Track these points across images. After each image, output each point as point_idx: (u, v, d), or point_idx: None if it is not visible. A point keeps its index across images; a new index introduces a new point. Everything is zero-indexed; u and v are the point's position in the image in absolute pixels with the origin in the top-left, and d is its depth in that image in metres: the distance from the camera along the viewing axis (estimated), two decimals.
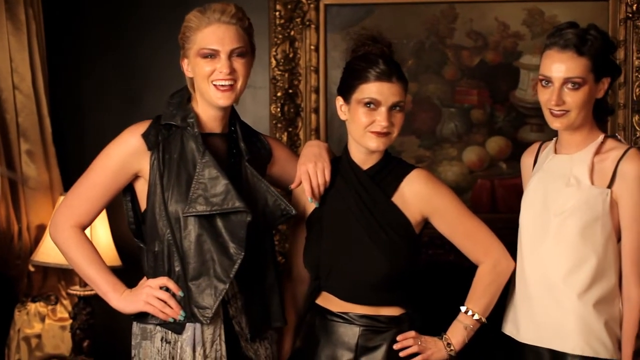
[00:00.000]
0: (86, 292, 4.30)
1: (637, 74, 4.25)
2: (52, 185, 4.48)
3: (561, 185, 3.15)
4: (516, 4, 4.30)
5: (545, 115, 3.18)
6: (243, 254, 3.05)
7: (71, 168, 4.37)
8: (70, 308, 4.48)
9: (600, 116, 3.23)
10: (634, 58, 4.25)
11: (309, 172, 3.25)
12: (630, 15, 4.21)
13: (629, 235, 3.09)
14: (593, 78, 3.11)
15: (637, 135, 4.27)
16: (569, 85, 3.10)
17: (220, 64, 3.09)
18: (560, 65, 3.11)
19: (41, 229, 4.40)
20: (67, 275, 4.47)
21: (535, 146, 3.40)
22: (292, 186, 3.26)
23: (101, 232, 4.30)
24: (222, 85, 3.10)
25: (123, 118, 4.27)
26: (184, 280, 3.10)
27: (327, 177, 3.26)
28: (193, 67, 3.13)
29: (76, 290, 4.35)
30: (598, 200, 3.09)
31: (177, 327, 3.12)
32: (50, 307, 4.51)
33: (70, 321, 4.42)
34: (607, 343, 3.12)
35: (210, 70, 3.08)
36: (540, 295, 3.18)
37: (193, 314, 3.09)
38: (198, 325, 3.09)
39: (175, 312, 3.09)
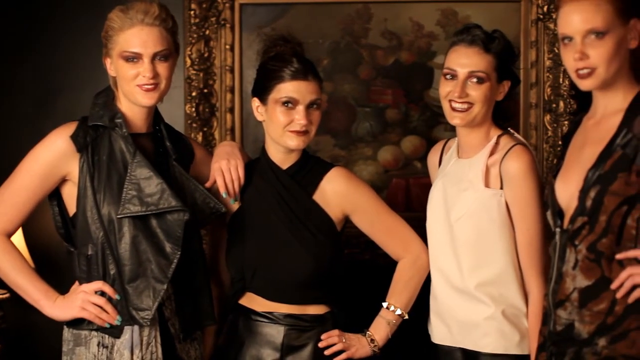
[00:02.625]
0: None
1: (548, 74, 4.36)
2: None
3: (459, 190, 3.27)
4: (430, 5, 4.39)
5: (445, 110, 3.29)
6: (179, 252, 3.08)
7: None
8: None
9: (499, 120, 3.29)
10: (545, 59, 4.36)
11: (222, 169, 3.26)
12: (541, 16, 4.32)
13: (519, 232, 3.22)
14: (495, 77, 3.24)
15: (549, 135, 4.38)
16: (473, 80, 3.21)
17: (143, 68, 3.11)
18: (466, 59, 3.23)
19: None
20: None
21: (440, 145, 3.52)
22: (207, 184, 3.31)
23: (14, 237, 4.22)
24: (145, 86, 3.08)
25: (34, 122, 4.24)
26: (120, 283, 3.10)
27: (241, 174, 3.30)
28: (116, 68, 3.16)
29: None
30: (493, 202, 3.21)
31: (114, 331, 3.13)
32: None
33: None
34: (516, 338, 3.23)
35: (134, 73, 3.11)
36: (446, 297, 3.30)
37: (132, 317, 3.10)
38: (136, 327, 3.12)
39: (111, 318, 3.11)
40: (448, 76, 3.25)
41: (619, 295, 2.76)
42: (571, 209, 2.85)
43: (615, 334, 2.77)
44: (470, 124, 3.24)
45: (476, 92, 3.20)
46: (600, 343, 2.78)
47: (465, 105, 3.20)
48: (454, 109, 3.23)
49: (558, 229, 2.89)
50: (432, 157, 3.51)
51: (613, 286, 2.76)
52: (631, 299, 2.75)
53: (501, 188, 3.19)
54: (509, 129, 3.32)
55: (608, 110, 2.86)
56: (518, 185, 3.16)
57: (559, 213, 2.90)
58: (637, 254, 2.76)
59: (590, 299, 2.80)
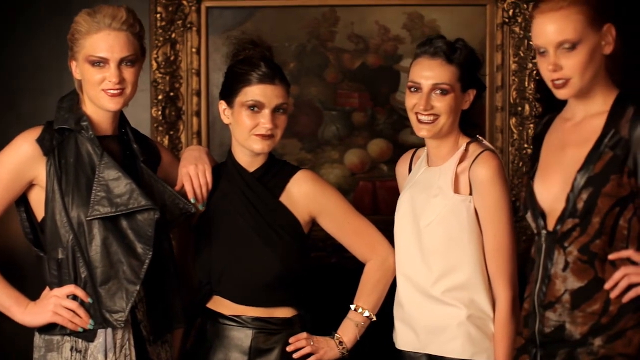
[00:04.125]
0: None
1: (514, 78, 4.39)
2: None
3: (428, 197, 3.29)
4: (397, 8, 4.41)
5: (412, 123, 3.33)
6: (151, 253, 3.08)
7: None
8: None
9: (467, 129, 3.33)
10: (511, 62, 4.39)
11: (190, 174, 3.27)
12: (507, 20, 4.36)
13: (488, 238, 3.25)
14: (460, 87, 3.27)
15: (514, 138, 4.41)
16: (437, 92, 3.23)
17: (109, 73, 3.11)
18: (429, 72, 3.26)
19: None
20: None
21: (409, 154, 3.55)
22: (176, 189, 3.27)
23: None
24: (111, 92, 3.09)
25: None
26: (92, 286, 3.10)
27: (209, 179, 3.31)
28: (82, 72, 3.16)
29: None
30: (462, 209, 3.23)
31: (88, 335, 3.13)
32: None
33: None
34: (483, 344, 3.25)
35: (100, 78, 3.12)
36: (415, 303, 3.32)
37: (105, 320, 3.11)
38: (109, 331, 3.12)
39: (84, 322, 3.11)
40: (413, 89, 3.28)
41: (613, 295, 2.79)
42: (556, 211, 2.88)
43: (611, 333, 2.80)
44: (438, 135, 3.27)
45: (441, 104, 3.24)
46: (596, 343, 2.81)
47: (432, 118, 3.24)
48: (420, 122, 3.26)
49: (544, 232, 2.92)
50: (402, 167, 3.54)
51: (607, 286, 2.80)
52: (626, 298, 2.79)
53: (470, 194, 3.22)
54: (477, 136, 3.36)
55: (589, 113, 2.90)
56: (486, 191, 3.19)
57: (541, 215, 2.94)
58: (630, 254, 2.80)
59: (584, 301, 2.83)
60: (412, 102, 3.28)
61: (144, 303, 3.19)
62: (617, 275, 2.79)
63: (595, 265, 2.82)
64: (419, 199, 3.29)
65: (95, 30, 3.11)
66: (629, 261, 2.80)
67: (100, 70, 3.12)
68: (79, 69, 3.17)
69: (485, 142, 3.35)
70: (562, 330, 2.86)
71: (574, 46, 2.80)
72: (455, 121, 3.29)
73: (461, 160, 3.26)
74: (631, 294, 2.78)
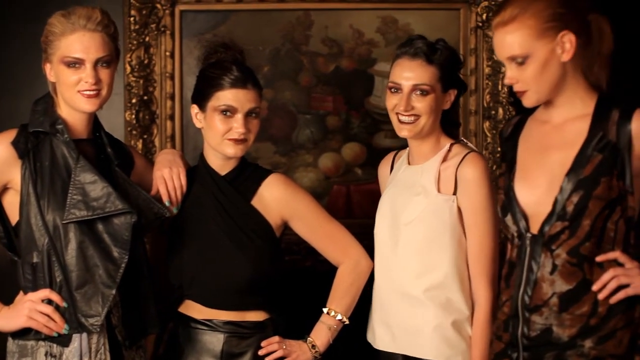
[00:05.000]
0: None
1: (487, 81, 4.42)
2: None
3: (410, 195, 3.30)
4: (370, 12, 4.43)
5: (393, 123, 3.34)
6: (127, 256, 3.08)
7: None
8: None
9: (448, 128, 3.35)
10: (485, 66, 4.42)
11: (164, 177, 3.28)
12: (481, 24, 4.39)
13: (471, 239, 3.25)
14: (440, 87, 3.28)
15: (488, 141, 4.43)
16: (417, 92, 3.24)
17: (85, 74, 3.11)
18: (409, 73, 3.27)
19: None
20: None
21: (390, 156, 3.56)
22: (151, 193, 3.28)
23: None
24: (87, 92, 3.09)
25: None
26: (67, 290, 3.09)
27: (183, 182, 3.32)
28: (57, 74, 3.16)
29: None
30: (444, 208, 3.24)
31: (63, 340, 3.12)
32: None
33: None
34: (460, 347, 3.26)
35: (76, 79, 3.11)
36: (392, 303, 3.32)
37: (80, 324, 3.10)
38: (84, 335, 3.11)
39: (59, 326, 3.10)
40: (393, 89, 3.30)
41: (601, 296, 2.81)
42: (540, 214, 2.89)
43: (601, 334, 2.82)
44: (418, 135, 3.29)
45: (421, 104, 3.25)
46: (586, 345, 2.82)
47: (412, 118, 3.26)
48: (401, 122, 3.28)
49: (529, 234, 2.93)
50: (384, 168, 3.56)
51: (595, 287, 2.82)
52: (614, 299, 2.81)
53: (454, 194, 3.24)
54: (462, 138, 3.40)
55: (569, 116, 2.91)
56: (473, 191, 3.21)
57: (523, 218, 2.96)
58: (617, 256, 2.82)
59: (572, 303, 2.84)
60: (392, 102, 3.30)
61: (118, 307, 3.18)
62: (606, 276, 2.81)
63: (584, 267, 2.83)
64: (400, 198, 3.31)
65: (69, 31, 3.11)
66: (615, 262, 2.83)
67: (75, 71, 3.12)
68: (53, 71, 3.17)
69: (470, 144, 3.38)
70: (548, 333, 2.87)
71: (523, 60, 2.83)
72: (436, 121, 3.31)
73: (444, 160, 3.28)
74: (620, 295, 2.80)
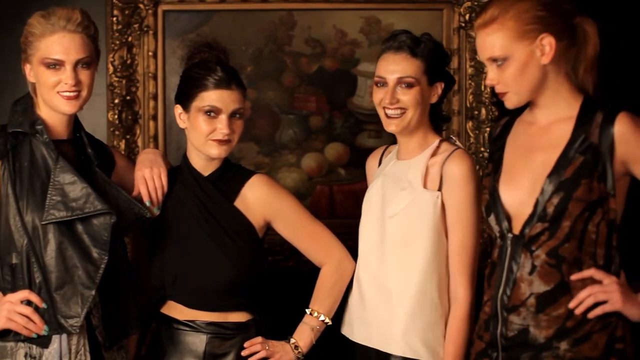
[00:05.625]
0: None
1: (470, 81, 4.44)
2: None
3: (396, 189, 3.30)
4: (354, 12, 4.44)
5: (381, 118, 3.36)
6: (107, 257, 3.07)
7: None
8: None
9: (436, 123, 3.36)
10: (467, 66, 4.43)
11: (145, 177, 3.27)
12: (463, 24, 4.40)
13: (453, 236, 3.26)
14: (426, 80, 3.29)
15: (471, 141, 4.45)
16: (402, 85, 3.25)
17: (65, 75, 3.11)
18: (394, 66, 3.29)
19: None
20: None
21: (380, 150, 3.57)
22: (133, 194, 3.30)
23: None
24: (67, 94, 3.08)
25: None
26: (46, 292, 3.08)
27: (164, 182, 3.31)
28: (36, 75, 3.15)
29: None
30: (429, 204, 3.25)
31: (42, 341, 3.11)
32: None
33: None
34: (432, 345, 3.26)
35: (56, 80, 3.11)
36: (371, 296, 3.34)
37: (60, 325, 3.09)
38: (64, 336, 3.11)
39: (39, 328, 3.08)
40: (379, 84, 3.31)
41: (578, 312, 2.83)
42: (522, 215, 2.91)
43: (577, 337, 2.84)
44: (406, 129, 3.30)
45: (407, 97, 3.26)
46: (562, 347, 2.84)
47: (399, 111, 3.27)
48: (388, 116, 3.29)
49: (509, 235, 2.95)
50: (372, 161, 3.57)
51: (571, 305, 2.84)
52: (592, 315, 2.82)
53: (439, 190, 3.24)
54: (451, 136, 3.42)
55: (554, 118, 2.93)
56: (459, 188, 3.22)
57: (506, 218, 2.97)
58: (591, 274, 2.84)
59: (549, 304, 2.86)
60: (378, 96, 3.31)
61: (98, 308, 3.18)
62: (582, 294, 2.83)
63: (562, 268, 2.85)
64: (388, 191, 3.32)
65: (49, 32, 3.11)
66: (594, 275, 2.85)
67: (55, 72, 3.12)
68: (32, 72, 3.17)
69: (458, 143, 3.38)
70: (525, 334, 2.89)
71: (503, 61, 2.85)
72: (423, 115, 3.32)
73: (432, 156, 3.29)
74: (597, 311, 2.82)
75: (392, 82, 3.28)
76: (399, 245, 3.26)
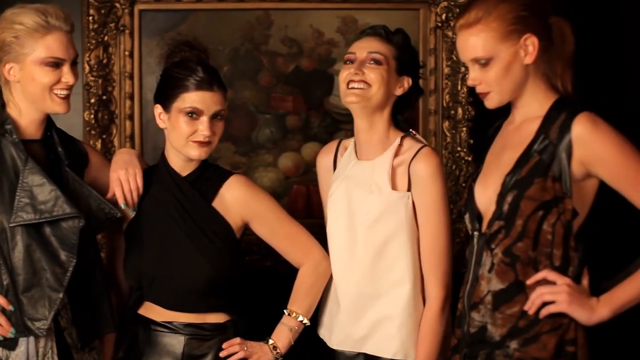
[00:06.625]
0: None
1: (446, 81, 4.45)
2: None
3: (364, 193, 3.29)
4: (330, 12, 4.45)
5: (341, 91, 3.32)
6: (75, 260, 3.06)
7: None
8: None
9: (398, 121, 3.35)
10: (444, 66, 4.44)
11: (120, 179, 3.26)
12: (440, 24, 4.41)
13: (424, 235, 3.27)
14: (395, 66, 3.28)
15: (447, 141, 4.46)
16: (371, 62, 3.26)
17: (64, 74, 3.12)
18: (365, 43, 3.31)
19: None
20: None
21: (332, 146, 3.53)
22: (108, 196, 3.27)
23: None
24: (63, 94, 3.09)
25: None
26: (13, 294, 3.07)
27: (140, 183, 3.30)
28: (28, 74, 3.12)
29: None
30: (400, 205, 3.24)
31: (9, 343, 3.10)
32: None
33: None
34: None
35: (55, 79, 3.11)
36: (351, 302, 3.32)
37: (27, 328, 3.08)
38: (31, 339, 3.11)
39: (5, 330, 3.07)
40: (348, 61, 3.31)
41: (530, 312, 2.85)
42: (490, 213, 2.94)
43: (527, 337, 2.85)
44: (367, 104, 3.26)
45: (374, 74, 3.25)
46: (512, 346, 2.87)
47: (362, 85, 3.25)
48: (349, 88, 3.27)
49: (476, 233, 2.97)
50: (325, 159, 3.53)
51: (526, 307, 2.86)
52: (541, 315, 2.84)
53: (408, 190, 3.24)
54: (410, 130, 3.38)
55: (527, 117, 2.95)
56: (427, 187, 3.22)
57: (477, 217, 2.98)
58: (545, 275, 2.85)
59: (504, 302, 2.88)
60: (344, 73, 3.29)
61: (67, 309, 3.17)
62: (533, 294, 2.85)
63: (516, 267, 2.87)
64: (355, 195, 3.30)
65: (47, 31, 3.10)
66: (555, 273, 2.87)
67: (54, 71, 3.12)
68: (19, 71, 3.13)
69: (419, 137, 3.37)
70: (484, 331, 2.92)
71: (487, 62, 2.87)
72: (387, 101, 3.29)
73: (395, 155, 3.28)
74: (544, 312, 2.84)
75: (361, 57, 3.27)
76: (378, 251, 3.25)
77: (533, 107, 2.93)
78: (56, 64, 3.12)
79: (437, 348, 3.22)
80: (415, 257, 3.25)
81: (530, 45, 2.87)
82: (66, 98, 3.16)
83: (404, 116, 3.40)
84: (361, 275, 3.28)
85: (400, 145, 3.29)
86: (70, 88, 3.16)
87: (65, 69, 3.13)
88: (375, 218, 3.25)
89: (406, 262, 3.24)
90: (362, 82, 3.24)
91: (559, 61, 2.95)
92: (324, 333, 3.43)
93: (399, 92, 3.31)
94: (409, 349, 3.26)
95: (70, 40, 3.16)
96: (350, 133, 4.28)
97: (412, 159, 3.24)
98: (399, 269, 3.24)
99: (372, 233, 3.25)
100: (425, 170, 3.22)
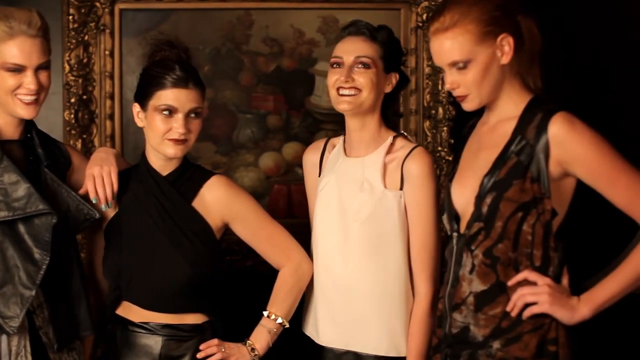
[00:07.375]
0: None
1: (427, 81, 4.46)
2: None
3: (355, 190, 3.29)
4: (311, 12, 4.45)
5: (332, 98, 3.34)
6: (48, 258, 3.05)
7: None
8: None
9: (389, 119, 3.34)
10: (425, 66, 4.45)
11: (93, 175, 3.25)
12: (421, 24, 4.42)
13: (414, 234, 3.29)
14: (382, 66, 3.31)
15: (428, 140, 4.47)
16: (359, 65, 3.26)
17: (26, 80, 3.11)
18: (352, 46, 3.31)
19: None
20: None
21: (320, 143, 3.55)
22: (80, 191, 3.28)
23: None
24: (27, 99, 3.06)
25: None
26: None
27: (114, 179, 3.29)
28: None
29: None
30: (392, 204, 3.25)
31: None
32: None
33: None
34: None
35: (16, 84, 3.12)
36: (340, 300, 3.33)
37: None
38: (4, 337, 3.10)
39: None
40: (334, 65, 3.31)
41: (513, 313, 2.87)
42: (468, 214, 2.95)
43: (509, 337, 2.87)
44: (359, 110, 3.29)
45: (363, 78, 3.26)
46: (494, 346, 2.89)
47: (353, 91, 3.26)
48: (341, 95, 3.27)
49: (455, 234, 2.98)
50: (312, 156, 3.54)
51: (508, 308, 2.87)
52: (524, 317, 2.86)
53: (400, 189, 3.24)
54: (402, 132, 3.41)
55: (502, 117, 2.96)
56: (420, 186, 3.24)
57: (455, 218, 2.98)
58: (526, 276, 2.87)
59: (486, 303, 2.90)
60: (333, 77, 3.30)
61: (43, 308, 3.16)
62: (514, 295, 2.87)
63: (497, 269, 2.89)
64: (345, 192, 3.31)
65: (9, 36, 3.09)
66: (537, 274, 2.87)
67: (15, 76, 3.12)
68: None
69: (410, 138, 3.39)
70: (466, 332, 2.93)
71: (465, 64, 2.87)
72: (377, 101, 3.31)
73: (387, 153, 3.29)
74: (526, 313, 2.86)
75: (349, 62, 3.27)
76: (370, 249, 3.27)
77: (508, 107, 2.95)
78: (17, 70, 3.10)
79: (428, 344, 3.23)
80: (406, 254, 3.27)
81: (506, 45, 2.88)
82: (32, 103, 3.14)
83: (392, 110, 3.43)
84: (353, 273, 3.29)
85: (392, 144, 3.30)
86: (36, 93, 3.14)
87: (28, 74, 3.11)
88: (367, 215, 3.26)
89: (397, 259, 3.26)
90: (352, 88, 3.26)
91: (529, 59, 2.96)
92: (310, 331, 3.43)
93: (388, 89, 3.34)
94: (399, 346, 3.28)
95: (36, 45, 3.12)
96: (331, 133, 4.30)
97: (406, 157, 3.25)
98: (390, 266, 3.26)
99: (365, 230, 3.26)
100: (419, 169, 3.24)
